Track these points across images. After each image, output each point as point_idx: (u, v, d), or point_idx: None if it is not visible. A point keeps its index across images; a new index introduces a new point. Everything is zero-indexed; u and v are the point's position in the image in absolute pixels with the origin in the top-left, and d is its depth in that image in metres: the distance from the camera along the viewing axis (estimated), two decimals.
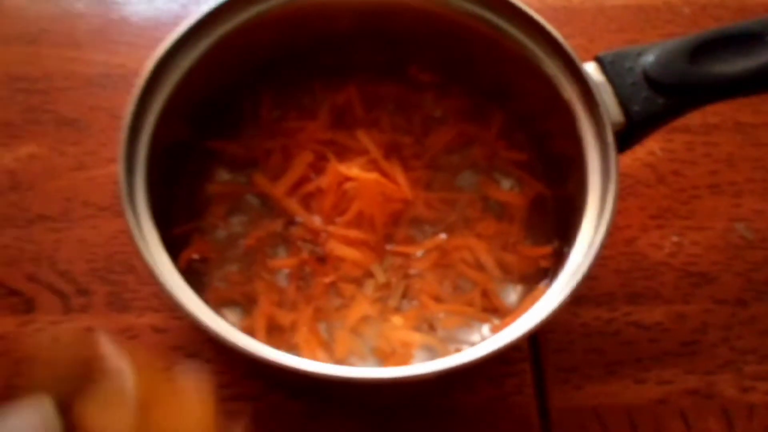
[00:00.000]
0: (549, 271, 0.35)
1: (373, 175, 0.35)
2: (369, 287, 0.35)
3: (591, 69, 0.33)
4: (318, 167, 0.37)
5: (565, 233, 0.33)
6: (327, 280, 0.35)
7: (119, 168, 0.30)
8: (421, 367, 0.27)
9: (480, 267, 0.36)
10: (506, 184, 0.38)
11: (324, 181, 0.36)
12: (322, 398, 0.34)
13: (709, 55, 0.33)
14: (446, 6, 0.35)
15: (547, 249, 0.35)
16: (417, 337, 0.33)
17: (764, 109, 0.43)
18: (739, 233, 0.39)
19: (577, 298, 0.36)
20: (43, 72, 0.43)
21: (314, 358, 0.32)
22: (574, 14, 0.46)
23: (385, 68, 0.40)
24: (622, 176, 0.40)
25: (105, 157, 0.40)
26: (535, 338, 0.36)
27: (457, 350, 0.34)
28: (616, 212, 0.30)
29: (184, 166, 0.37)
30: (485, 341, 0.28)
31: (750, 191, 0.40)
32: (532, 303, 0.29)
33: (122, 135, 0.30)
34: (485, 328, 0.34)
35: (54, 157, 0.41)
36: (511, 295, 0.35)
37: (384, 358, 0.33)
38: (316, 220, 0.36)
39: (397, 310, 0.35)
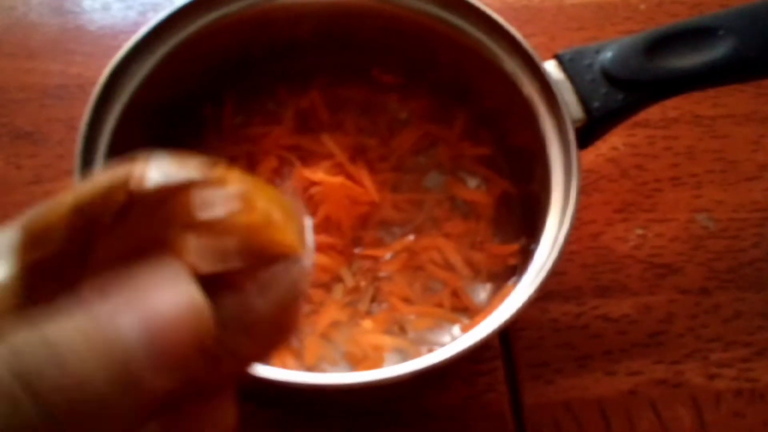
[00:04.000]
0: (517, 269, 0.35)
1: (338, 179, 0.35)
2: (338, 292, 0.35)
3: (551, 67, 0.33)
4: (283, 173, 0.37)
5: (531, 230, 0.34)
6: None
7: (75, 180, 0.29)
8: (393, 369, 0.27)
9: (449, 267, 0.36)
10: (472, 183, 0.38)
11: (290, 186, 0.36)
12: (293, 407, 0.34)
13: (665, 51, 0.33)
14: (407, 8, 0.35)
15: (515, 246, 0.35)
16: (388, 340, 0.33)
17: (722, 102, 0.44)
18: (701, 224, 0.40)
19: (545, 294, 0.37)
20: None
21: (284, 365, 0.32)
22: (534, 13, 0.47)
23: (348, 71, 0.40)
24: (586, 172, 0.41)
25: (63, 170, 0.39)
26: (506, 335, 0.36)
27: (430, 351, 0.34)
28: (581, 207, 0.30)
29: None
30: (457, 340, 0.28)
31: (710, 182, 0.41)
32: (501, 301, 0.29)
33: (77, 146, 0.29)
34: (456, 329, 0.34)
35: (10, 171, 0.40)
36: (481, 293, 0.36)
37: (355, 362, 0.33)
38: None
39: (367, 313, 0.34)
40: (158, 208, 0.15)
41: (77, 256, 0.15)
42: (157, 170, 0.15)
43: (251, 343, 0.16)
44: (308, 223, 0.18)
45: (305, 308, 0.34)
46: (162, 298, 0.14)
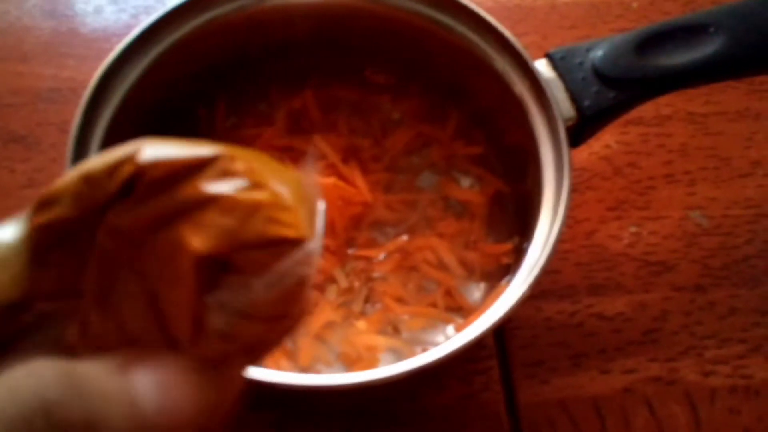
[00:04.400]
0: (511, 268, 0.35)
1: (331, 180, 0.35)
2: (332, 292, 0.35)
3: (542, 66, 0.33)
4: None
5: (524, 229, 0.34)
6: None
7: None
8: (387, 370, 0.27)
9: (443, 267, 0.36)
10: (465, 182, 0.38)
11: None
12: (288, 409, 0.34)
13: (656, 48, 0.33)
14: (399, 9, 0.35)
15: (508, 246, 0.35)
16: (382, 341, 0.33)
17: (714, 99, 0.44)
18: (695, 221, 0.40)
19: (540, 293, 0.37)
20: None
21: (278, 367, 0.32)
22: (526, 12, 0.47)
23: (340, 72, 0.40)
24: (579, 170, 0.41)
25: (56, 174, 0.38)
26: (500, 334, 0.36)
27: (424, 351, 0.34)
28: (575, 206, 0.30)
29: None
30: (450, 340, 0.28)
31: (703, 179, 0.41)
32: (495, 299, 0.29)
33: (68, 149, 0.29)
34: (450, 328, 0.34)
35: (3, 175, 0.39)
36: (475, 293, 0.36)
37: (350, 363, 0.33)
38: None
39: (361, 314, 0.34)
40: (166, 184, 0.15)
41: (85, 227, 0.15)
42: (164, 147, 0.15)
43: (252, 327, 0.16)
44: (322, 206, 0.17)
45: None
46: (178, 376, 0.15)
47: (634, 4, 0.47)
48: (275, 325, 0.17)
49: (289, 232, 0.15)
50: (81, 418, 0.13)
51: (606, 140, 0.42)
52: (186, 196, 0.15)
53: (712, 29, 0.34)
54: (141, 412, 0.14)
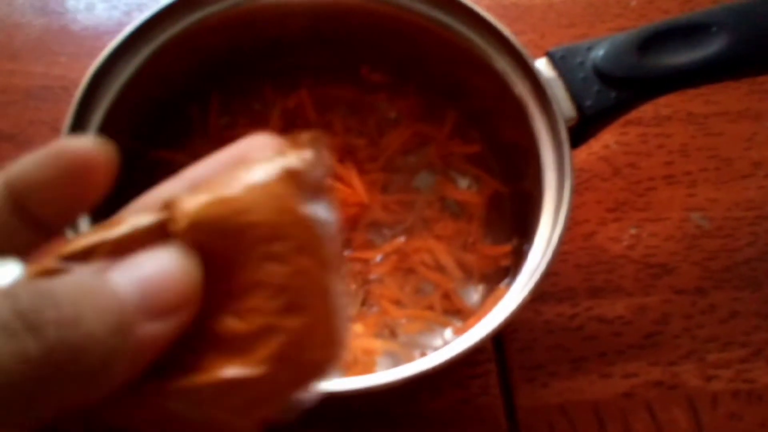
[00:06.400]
0: (510, 270, 0.34)
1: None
2: None
3: (542, 65, 0.32)
4: None
5: (523, 230, 0.33)
6: None
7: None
8: (384, 375, 0.26)
9: (440, 268, 0.35)
10: (463, 183, 0.38)
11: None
12: None
13: (657, 48, 0.33)
14: (396, 6, 0.35)
15: (507, 247, 0.35)
16: (379, 344, 0.33)
17: (715, 99, 0.43)
18: (695, 223, 0.39)
19: (539, 295, 0.36)
20: None
21: None
22: (524, 11, 0.46)
23: (336, 70, 0.39)
24: (578, 171, 0.40)
25: None
26: (499, 338, 0.36)
27: (422, 355, 0.33)
28: (573, 207, 0.29)
29: (131, 177, 0.35)
30: (449, 344, 0.27)
31: (704, 180, 0.41)
32: (494, 303, 0.29)
33: None
34: (447, 332, 0.34)
35: None
36: (473, 295, 0.35)
37: (347, 367, 0.32)
38: None
39: (358, 317, 0.34)
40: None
41: None
42: None
43: None
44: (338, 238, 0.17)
45: None
46: (153, 262, 0.15)
47: (633, 3, 0.47)
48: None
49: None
50: (55, 320, 0.13)
51: (605, 140, 0.41)
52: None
53: (714, 29, 0.33)
54: (121, 303, 0.14)
